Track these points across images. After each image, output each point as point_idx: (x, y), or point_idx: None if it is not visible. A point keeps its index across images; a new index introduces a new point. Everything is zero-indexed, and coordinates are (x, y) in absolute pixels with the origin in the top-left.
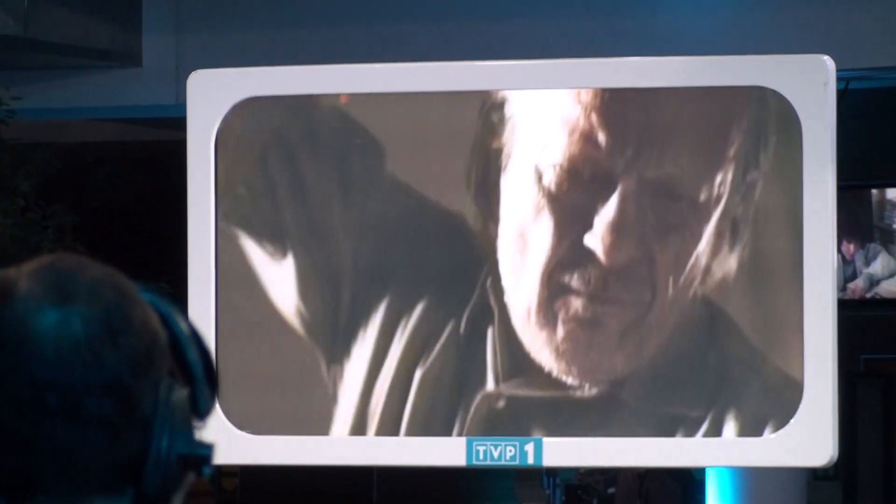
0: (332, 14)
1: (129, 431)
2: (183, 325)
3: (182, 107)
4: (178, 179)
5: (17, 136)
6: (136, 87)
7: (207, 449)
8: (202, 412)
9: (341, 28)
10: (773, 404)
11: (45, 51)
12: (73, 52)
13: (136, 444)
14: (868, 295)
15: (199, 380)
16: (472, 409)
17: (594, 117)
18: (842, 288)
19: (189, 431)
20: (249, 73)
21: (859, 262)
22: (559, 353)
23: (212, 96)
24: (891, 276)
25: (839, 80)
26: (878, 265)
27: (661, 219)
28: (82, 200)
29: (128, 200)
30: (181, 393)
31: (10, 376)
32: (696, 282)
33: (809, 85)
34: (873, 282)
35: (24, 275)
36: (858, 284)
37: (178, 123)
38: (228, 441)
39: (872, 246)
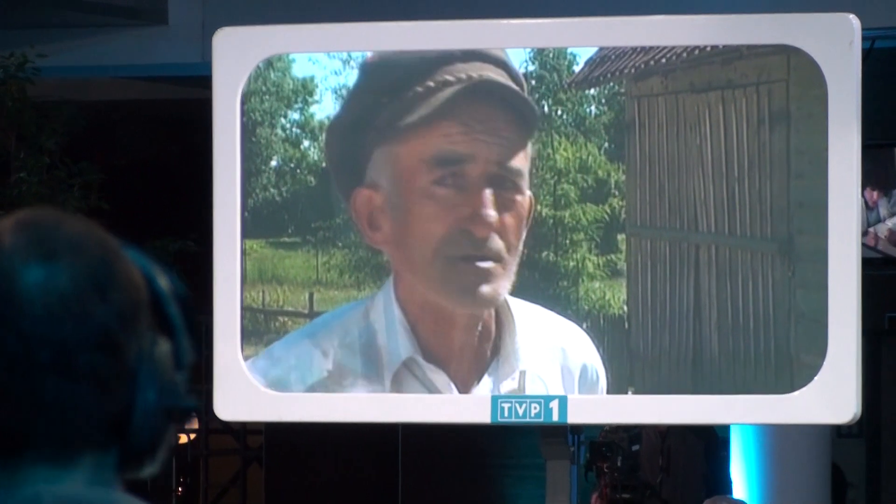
0: None
1: (118, 386)
2: (163, 280)
3: (208, 65)
4: (205, 137)
5: (43, 94)
6: (162, 44)
7: (192, 402)
8: (183, 364)
9: None
10: (798, 362)
11: (70, 8)
12: (99, 10)
13: (124, 399)
14: (891, 238)
15: (181, 332)
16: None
17: None
18: (863, 233)
19: (174, 384)
20: (274, 30)
21: (883, 210)
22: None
23: (237, 54)
24: None
25: (865, 38)
26: None
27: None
28: (108, 158)
29: (154, 158)
30: (165, 346)
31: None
32: (726, 241)
33: (835, 43)
34: None
35: (5, 230)
36: (881, 232)
37: (204, 81)
38: (253, 398)
39: None
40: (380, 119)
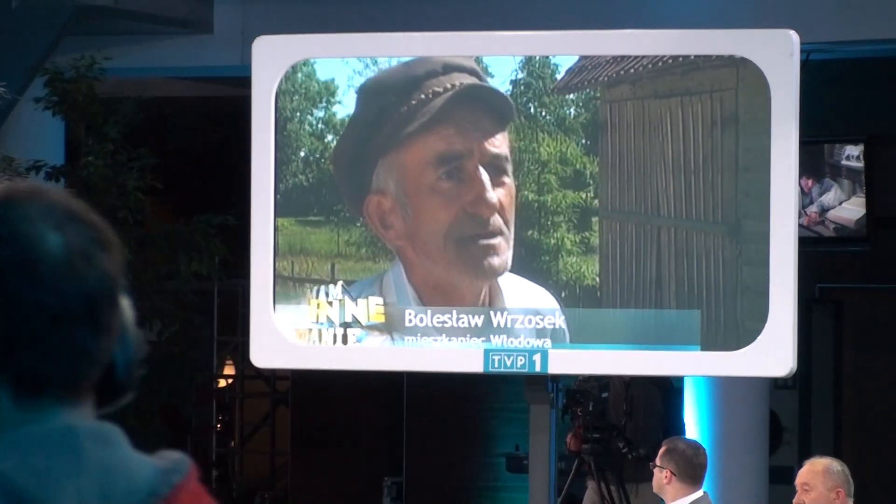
0: None
1: (115, 337)
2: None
3: (246, 67)
4: (242, 128)
5: (108, 91)
6: (208, 50)
7: (144, 352)
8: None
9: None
10: (743, 326)
11: (132, 19)
12: (155, 21)
13: (113, 349)
14: (820, 219)
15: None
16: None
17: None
18: (800, 215)
19: (139, 338)
20: (305, 39)
21: (815, 194)
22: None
23: (272, 59)
24: (839, 204)
25: (802, 51)
26: (832, 195)
27: (656, 169)
28: (162, 145)
29: (199, 146)
30: (126, 302)
31: (36, 290)
32: (683, 224)
33: (777, 54)
34: (824, 209)
35: (13, 201)
36: (812, 212)
37: (242, 81)
38: (282, 349)
39: (826, 180)
40: (380, 134)
